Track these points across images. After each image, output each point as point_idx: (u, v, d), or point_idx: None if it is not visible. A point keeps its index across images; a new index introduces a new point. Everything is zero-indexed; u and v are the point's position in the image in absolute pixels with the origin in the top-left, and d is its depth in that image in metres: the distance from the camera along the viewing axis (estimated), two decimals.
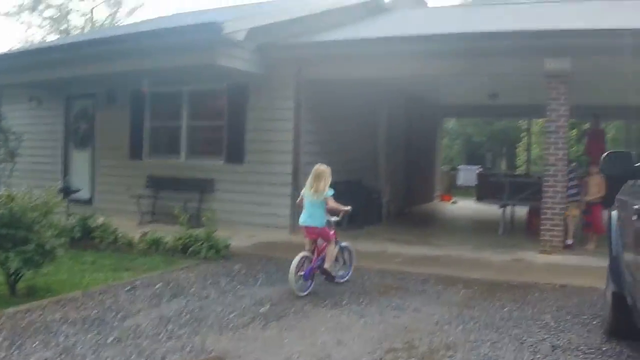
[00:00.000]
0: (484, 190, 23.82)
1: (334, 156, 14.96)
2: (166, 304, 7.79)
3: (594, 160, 16.44)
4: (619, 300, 6.31)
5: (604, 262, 10.89)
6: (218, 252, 10.98)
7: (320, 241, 9.01)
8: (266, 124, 14.10)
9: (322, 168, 9.19)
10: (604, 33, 10.97)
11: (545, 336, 6.76)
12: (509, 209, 15.38)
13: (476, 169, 29.04)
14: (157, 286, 8.70)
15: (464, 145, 47.17)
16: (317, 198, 8.88)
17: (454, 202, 23.75)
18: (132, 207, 15.14)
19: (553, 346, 6.43)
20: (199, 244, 11.03)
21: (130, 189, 15.54)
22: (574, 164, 13.33)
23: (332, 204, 8.94)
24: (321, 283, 9.01)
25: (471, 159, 45.77)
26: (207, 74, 13.99)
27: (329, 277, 9.02)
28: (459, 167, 30.19)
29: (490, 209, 19.45)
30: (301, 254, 8.63)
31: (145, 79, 14.62)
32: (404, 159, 20.56)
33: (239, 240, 12.30)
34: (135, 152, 16.24)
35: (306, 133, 13.90)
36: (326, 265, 8.84)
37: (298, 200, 9.33)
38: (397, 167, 19.91)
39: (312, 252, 8.89)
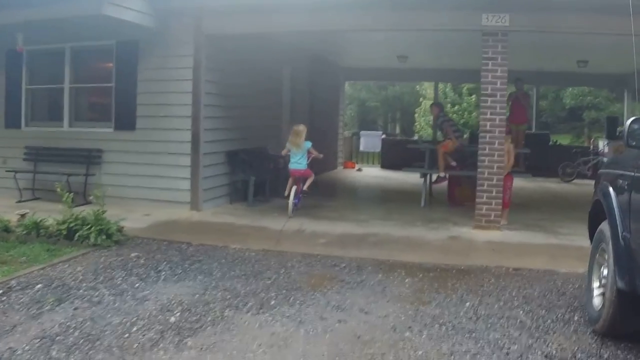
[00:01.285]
0: (391, 157, 22.79)
1: (237, 121, 13.51)
2: (49, 314, 6.00)
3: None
4: (625, 299, 5.13)
5: (544, 239, 10.05)
6: (110, 237, 9.20)
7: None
8: (161, 85, 12.29)
9: (300, 127, 12.89)
10: None
11: (530, 341, 5.47)
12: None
13: (380, 135, 27.92)
14: (37, 287, 6.91)
15: (357, 110, 46.28)
16: (299, 150, 12.52)
17: (358, 170, 22.51)
18: (10, 183, 13.06)
19: (546, 356, 5.15)
20: (87, 227, 9.23)
21: (6, 162, 13.49)
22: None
23: (312, 151, 12.79)
24: (239, 277, 7.50)
25: (364, 124, 45.06)
26: (94, 29, 12.01)
27: (303, 193, 12.59)
28: (361, 132, 29.01)
29: (398, 177, 18.45)
30: (293, 189, 12.30)
31: (22, 35, 12.60)
32: (308, 125, 19.09)
33: (133, 220, 10.57)
34: (12, 119, 13.95)
35: (207, 96, 12.18)
36: (305, 187, 12.52)
37: (284, 152, 12.84)
38: None
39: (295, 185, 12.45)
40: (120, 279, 7.39)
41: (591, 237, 6.71)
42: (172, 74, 12.17)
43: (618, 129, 21.81)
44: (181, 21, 12.00)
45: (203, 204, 12.21)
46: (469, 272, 7.98)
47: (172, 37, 12.12)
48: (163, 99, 12.27)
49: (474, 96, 37.71)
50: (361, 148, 26.71)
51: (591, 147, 21.65)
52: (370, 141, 26.58)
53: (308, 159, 12.61)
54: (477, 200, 10.62)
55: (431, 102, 36.53)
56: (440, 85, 37.86)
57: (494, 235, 10.26)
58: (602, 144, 21.35)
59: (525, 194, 15.75)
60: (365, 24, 11.24)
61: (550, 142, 22.82)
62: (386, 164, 23.05)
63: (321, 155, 12.87)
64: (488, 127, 10.47)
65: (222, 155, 12.97)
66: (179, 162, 12.15)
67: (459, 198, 13.90)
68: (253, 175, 13.01)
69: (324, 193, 15.71)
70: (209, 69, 12.17)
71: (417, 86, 40.64)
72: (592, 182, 16.03)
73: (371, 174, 21.34)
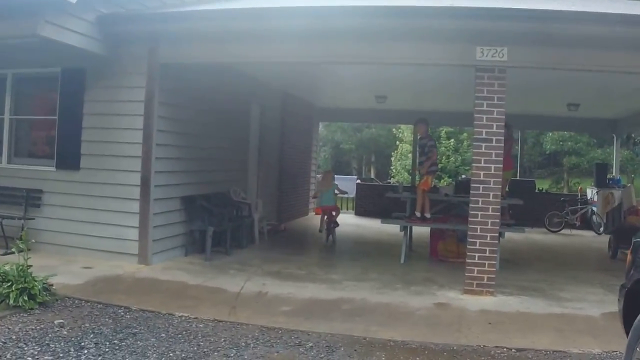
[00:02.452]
0: (366, 204, 21.40)
1: (195, 163, 12.07)
2: None
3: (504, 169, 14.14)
4: None
5: (546, 306, 8.66)
6: (33, 297, 7.64)
7: None
8: (109, 120, 10.81)
9: (329, 173, 16.80)
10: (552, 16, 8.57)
11: None
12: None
13: (355, 179, 26.51)
14: None
15: (331, 152, 45.08)
16: (329, 188, 15.42)
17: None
18: None
19: None
20: (7, 285, 7.66)
21: None
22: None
23: (338, 189, 15.61)
24: None
25: (338, 167, 43.88)
26: (37, 53, 10.58)
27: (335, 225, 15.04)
28: (335, 176, 27.48)
29: (373, 225, 16.99)
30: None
31: None
32: (277, 167, 17.75)
33: (70, 274, 9.11)
34: None
35: (160, 134, 10.70)
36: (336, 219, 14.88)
37: (313, 194, 16.83)
38: (270, 177, 17.09)
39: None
40: (30, 358, 5.83)
41: (626, 322, 5.27)
42: (122, 107, 10.72)
43: (608, 176, 20.86)
44: (134, 48, 10.57)
45: (153, 256, 10.66)
46: (463, 355, 6.51)
47: (123, 65, 10.69)
48: (111, 135, 10.80)
49: (452, 140, 36.66)
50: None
51: (579, 195, 20.41)
52: (345, 185, 25.07)
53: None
54: (468, 260, 9.20)
55: (408, 145, 35.66)
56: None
57: (487, 302, 8.82)
58: (591, 192, 20.16)
59: (512, 247, 14.36)
60: (340, 55, 9.86)
61: (536, 190, 21.57)
62: (361, 211, 21.67)
63: (346, 192, 16.81)
64: (482, 177, 9.09)
65: (177, 201, 11.45)
66: (127, 208, 10.63)
67: (442, 253, 12.52)
68: (212, 225, 11.49)
69: (292, 244, 14.29)
70: (163, 103, 10.71)
71: (394, 129, 39.47)
72: (581, 232, 14.34)
73: (345, 221, 19.71)
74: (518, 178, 22.15)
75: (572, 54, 9.01)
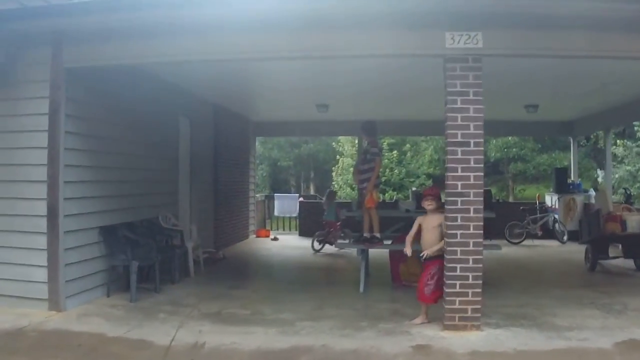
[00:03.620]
0: (310, 223, 19.81)
1: (114, 187, 10.32)
2: None
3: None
4: None
5: (546, 340, 7.32)
6: None
7: None
8: (8, 139, 8.97)
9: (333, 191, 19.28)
10: None
11: None
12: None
13: (297, 197, 24.89)
14: None
15: (269, 171, 43.50)
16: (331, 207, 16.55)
17: (274, 239, 19.34)
18: None
19: None
20: None
21: None
22: None
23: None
24: None
25: (276, 185, 42.39)
26: None
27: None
28: (275, 195, 25.88)
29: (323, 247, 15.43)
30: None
31: None
32: (212, 188, 16.02)
33: None
34: None
35: (70, 152, 8.92)
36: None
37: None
38: (205, 199, 15.36)
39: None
40: None
41: None
42: (23, 122, 8.88)
43: (569, 181, 19.66)
44: (34, 51, 8.79)
45: (67, 300, 8.81)
46: None
47: (22, 73, 8.88)
48: (10, 157, 8.96)
49: (395, 152, 35.43)
50: (276, 213, 23.58)
51: (537, 202, 19.17)
52: (287, 204, 23.45)
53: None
54: (448, 290, 7.64)
55: (350, 159, 34.18)
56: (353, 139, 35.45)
57: (475, 339, 7.28)
58: (551, 199, 18.92)
59: None
60: (276, 48, 8.23)
61: (493, 199, 20.23)
62: (305, 232, 19.93)
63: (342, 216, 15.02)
64: (459, 189, 7.56)
65: (94, 233, 9.61)
66: (33, 244, 8.78)
67: (405, 277, 10.97)
68: (137, 259, 9.71)
69: (233, 274, 12.57)
70: (72, 116, 8.93)
71: (334, 142, 38.02)
72: (544, 242, 12.71)
73: (289, 243, 18.22)
74: None
75: (564, 37, 7.58)
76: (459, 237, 7.56)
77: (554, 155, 34.59)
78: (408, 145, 37.63)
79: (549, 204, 18.93)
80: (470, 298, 7.57)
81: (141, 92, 10.99)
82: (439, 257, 8.03)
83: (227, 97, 15.37)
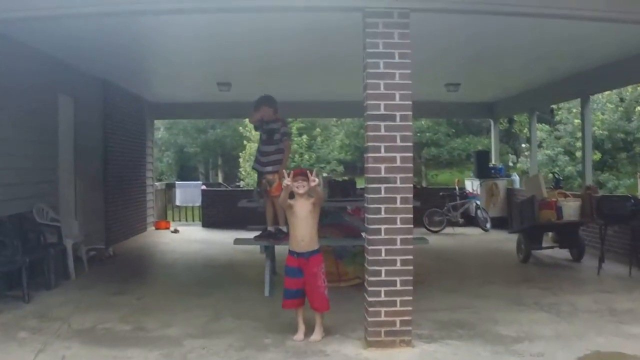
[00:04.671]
0: (214, 213, 18.22)
1: None
2: None
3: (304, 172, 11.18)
4: None
5: (489, 357, 5.90)
6: None
7: None
8: None
9: None
10: None
11: None
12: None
13: (200, 185, 23.17)
14: None
15: (175, 158, 41.51)
16: None
17: (174, 231, 17.62)
18: None
19: None
20: None
21: None
22: None
23: None
24: None
25: (184, 173, 40.55)
26: None
27: None
28: (177, 183, 24.10)
29: (225, 240, 13.57)
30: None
31: None
32: (102, 176, 14.20)
33: None
34: None
35: None
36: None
37: None
38: (93, 189, 13.54)
39: None
40: None
41: None
42: None
43: (490, 165, 18.56)
44: None
45: None
46: None
47: None
48: None
49: (304, 136, 34.03)
50: (177, 202, 21.84)
51: (456, 188, 18.02)
52: (189, 193, 21.71)
53: None
54: (370, 299, 6.18)
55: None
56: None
57: (407, 358, 5.88)
58: (472, 184, 17.78)
59: None
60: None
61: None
62: (209, 223, 18.36)
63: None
64: (383, 174, 6.13)
65: None
66: None
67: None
68: None
69: (121, 275, 10.85)
70: None
71: (241, 127, 36.24)
72: (466, 230, 11.23)
73: (190, 236, 16.50)
74: None
75: None
76: (383, 233, 6.12)
77: (468, 139, 33.91)
78: (318, 130, 36.33)
79: (470, 190, 17.81)
80: (398, 308, 6.15)
81: (4, 63, 9.20)
82: (319, 251, 6.77)
83: (118, 73, 13.51)
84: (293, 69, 12.50)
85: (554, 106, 27.53)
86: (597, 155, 26.86)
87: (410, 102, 6.10)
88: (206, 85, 14.47)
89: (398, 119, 6.08)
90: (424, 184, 31.68)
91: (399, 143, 6.08)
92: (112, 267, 11.76)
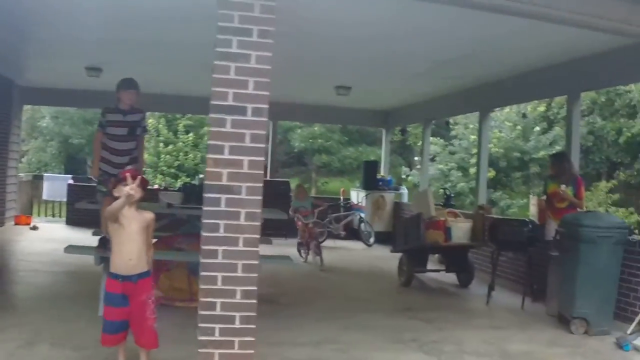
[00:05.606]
0: (79, 209, 16.58)
1: None
2: None
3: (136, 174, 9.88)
4: None
5: None
6: None
7: None
8: None
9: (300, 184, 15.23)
10: None
11: None
12: None
13: (68, 179, 21.37)
14: None
15: (60, 148, 39.16)
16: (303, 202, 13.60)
17: (33, 228, 15.93)
18: None
19: None
20: None
21: None
22: None
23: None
24: None
25: (71, 165, 38.32)
26: None
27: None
28: (44, 175, 22.15)
29: (85, 240, 11.82)
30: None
31: None
32: None
33: None
34: None
35: None
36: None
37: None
38: None
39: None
40: None
41: None
42: None
43: (377, 176, 17.56)
44: None
45: None
46: None
47: None
48: None
49: (191, 134, 32.46)
50: (45, 196, 20.00)
51: (341, 199, 16.94)
52: (57, 187, 19.85)
53: None
54: (202, 338, 4.90)
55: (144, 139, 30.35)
56: (151, 120, 31.79)
57: None
58: (357, 195, 16.76)
59: (270, 272, 10.40)
60: None
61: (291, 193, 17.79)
62: (73, 220, 16.61)
63: None
64: (224, 181, 4.89)
65: None
66: None
67: (166, 293, 8.11)
68: None
69: None
70: None
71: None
72: (348, 244, 9.92)
73: (50, 234, 14.70)
74: (269, 178, 18.19)
75: None
76: (220, 256, 4.87)
77: (361, 149, 33.15)
78: (206, 128, 34.87)
79: (355, 201, 16.75)
80: (236, 350, 4.90)
81: None
82: (149, 273, 5.42)
83: None
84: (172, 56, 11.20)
85: (451, 120, 27.01)
86: (492, 173, 26.41)
87: (268, 94, 4.88)
88: (74, 70, 12.96)
89: (249, 112, 4.85)
90: (312, 192, 30.62)
91: (248, 143, 4.85)
92: None
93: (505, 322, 8.30)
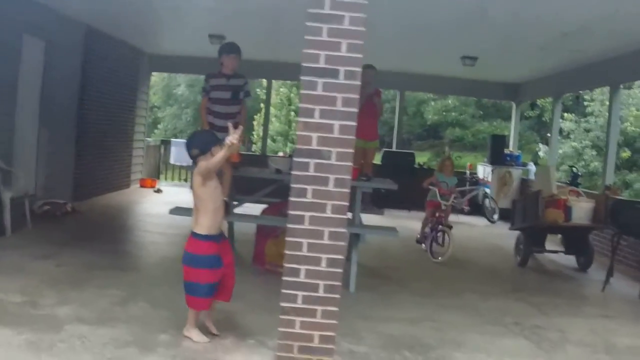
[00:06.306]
0: None
1: None
2: None
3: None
4: None
5: None
6: None
7: None
8: None
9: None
10: None
11: None
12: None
13: None
14: None
15: (195, 115, 39.97)
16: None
17: (157, 191, 16.37)
18: None
19: None
20: None
21: None
22: None
23: None
24: None
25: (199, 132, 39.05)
26: None
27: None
28: (172, 140, 22.55)
29: None
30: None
31: None
32: (74, 128, 12.95)
33: None
34: None
35: None
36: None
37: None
38: (61, 141, 12.33)
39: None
40: None
41: None
42: None
43: (505, 151, 17.03)
44: None
45: None
46: None
47: None
48: None
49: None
50: (172, 161, 20.42)
51: (468, 173, 16.52)
52: (185, 152, 20.22)
53: None
54: (284, 304, 4.78)
55: (273, 109, 30.57)
56: (279, 86, 31.76)
57: None
58: (484, 170, 16.29)
59: (378, 246, 10.38)
60: None
61: (416, 164, 17.46)
62: None
63: None
64: (314, 145, 4.70)
65: None
66: None
67: (271, 260, 8.14)
68: None
69: (65, 236, 9.58)
70: None
71: (257, 89, 34.39)
72: (470, 220, 9.30)
73: (173, 198, 14.88)
74: (395, 149, 17.97)
75: None
76: (306, 222, 4.72)
77: (496, 124, 32.19)
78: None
79: (481, 176, 16.28)
80: (318, 320, 4.74)
81: None
82: None
83: (109, 19, 12.25)
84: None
85: (587, 97, 25.87)
86: (627, 153, 25.14)
87: (361, 56, 4.65)
88: (198, 36, 13.13)
89: (341, 75, 4.63)
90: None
91: (339, 107, 4.65)
92: (62, 225, 10.53)
93: (618, 311, 7.78)
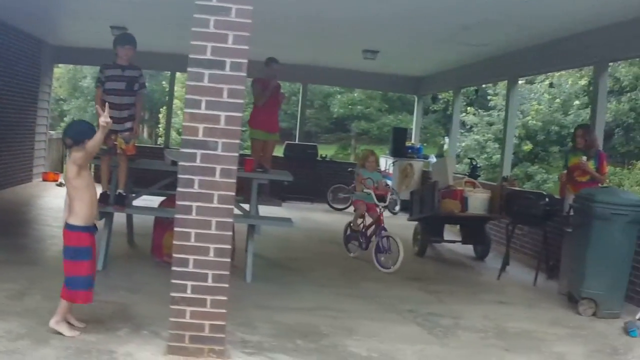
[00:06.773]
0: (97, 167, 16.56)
1: None
2: None
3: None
4: None
5: None
6: None
7: None
8: None
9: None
10: None
11: None
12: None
13: None
14: None
15: None
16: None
17: (60, 184, 16.02)
18: None
19: None
20: None
21: None
22: None
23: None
24: None
25: None
26: None
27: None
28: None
29: None
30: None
31: None
32: None
33: None
34: None
35: None
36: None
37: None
38: None
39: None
40: None
41: None
42: None
43: (407, 143, 17.30)
44: None
45: None
46: None
47: None
48: None
49: None
50: None
51: None
52: None
53: None
54: (174, 294, 4.81)
55: (178, 101, 30.08)
56: (186, 78, 31.06)
57: None
58: (386, 162, 16.52)
59: (280, 236, 10.49)
60: None
61: (319, 157, 17.57)
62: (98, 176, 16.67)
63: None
64: (200, 136, 4.73)
65: None
66: None
67: (169, 251, 8.02)
68: None
69: None
70: None
71: (164, 82, 33.84)
72: None
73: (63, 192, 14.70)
74: (297, 142, 18.06)
75: None
76: (194, 212, 4.74)
77: (401, 117, 32.74)
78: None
79: (383, 168, 16.53)
80: (208, 309, 4.78)
81: None
82: None
83: (6, 9, 11.87)
84: None
85: (491, 91, 26.49)
86: (529, 147, 25.91)
87: (247, 48, 4.70)
88: (103, 29, 12.90)
89: (227, 67, 4.66)
90: (351, 159, 30.32)
91: (225, 98, 4.68)
92: None
93: (513, 298, 8.00)
